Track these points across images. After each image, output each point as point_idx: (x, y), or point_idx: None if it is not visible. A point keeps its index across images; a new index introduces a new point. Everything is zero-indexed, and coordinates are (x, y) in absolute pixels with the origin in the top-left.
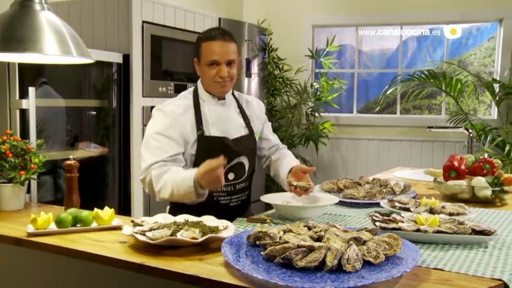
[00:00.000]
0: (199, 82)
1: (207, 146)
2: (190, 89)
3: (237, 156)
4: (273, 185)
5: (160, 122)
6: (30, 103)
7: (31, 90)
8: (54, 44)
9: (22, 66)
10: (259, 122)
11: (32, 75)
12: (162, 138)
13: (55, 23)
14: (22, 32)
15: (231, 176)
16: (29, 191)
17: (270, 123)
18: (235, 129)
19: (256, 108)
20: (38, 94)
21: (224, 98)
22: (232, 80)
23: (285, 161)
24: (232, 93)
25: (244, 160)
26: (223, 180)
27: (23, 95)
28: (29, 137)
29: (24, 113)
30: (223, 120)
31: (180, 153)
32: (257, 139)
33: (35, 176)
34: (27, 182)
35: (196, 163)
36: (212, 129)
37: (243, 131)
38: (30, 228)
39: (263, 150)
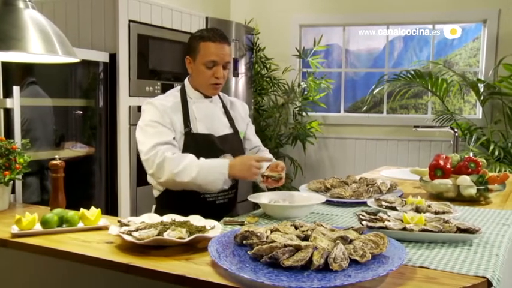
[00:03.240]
0: (186, 80)
1: (194, 142)
2: (177, 87)
3: (222, 153)
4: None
5: (152, 112)
6: (15, 102)
7: (15, 89)
8: (39, 43)
9: (8, 65)
10: (243, 123)
11: (20, 74)
12: (157, 124)
13: (40, 22)
14: (6, 30)
15: None
16: (13, 191)
17: (253, 126)
18: (221, 127)
19: (240, 109)
20: (26, 94)
21: (211, 96)
22: (223, 82)
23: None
24: (218, 94)
25: (230, 158)
26: (256, 170)
27: (8, 94)
28: (13, 136)
29: (8, 112)
30: (210, 117)
31: (175, 138)
32: (241, 139)
33: (19, 176)
34: (11, 182)
35: None
36: (199, 126)
37: (228, 130)
38: (15, 229)
39: (245, 150)
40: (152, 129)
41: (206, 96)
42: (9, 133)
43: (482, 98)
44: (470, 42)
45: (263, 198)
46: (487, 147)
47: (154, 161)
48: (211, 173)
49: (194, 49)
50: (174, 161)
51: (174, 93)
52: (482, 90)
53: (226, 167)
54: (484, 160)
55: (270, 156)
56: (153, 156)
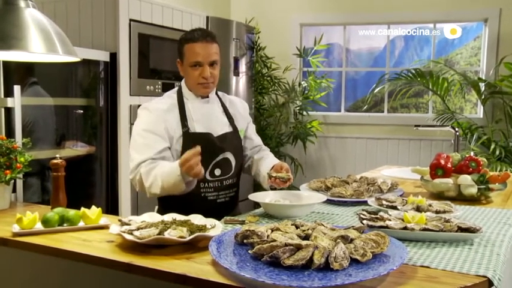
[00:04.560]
0: (183, 82)
1: (193, 142)
2: (175, 89)
3: (222, 152)
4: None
5: (145, 119)
6: (16, 102)
7: (16, 88)
8: (40, 42)
9: (9, 65)
10: (243, 121)
11: (21, 74)
12: (147, 134)
13: (40, 21)
14: (6, 29)
15: (217, 171)
16: (14, 190)
17: (254, 126)
18: (219, 126)
19: (240, 107)
20: (28, 94)
21: (208, 96)
22: (214, 81)
23: (268, 160)
24: (216, 93)
25: (230, 156)
26: (200, 169)
27: (9, 93)
28: (14, 135)
29: (9, 111)
30: (208, 117)
31: (167, 148)
32: (242, 137)
33: (20, 175)
34: (12, 181)
35: None
36: (197, 126)
37: (228, 128)
38: (16, 228)
39: (246, 149)
40: (141, 140)
41: (203, 97)
42: (10, 132)
43: (483, 97)
44: (471, 41)
45: (264, 197)
46: (487, 147)
47: (136, 180)
48: (170, 180)
49: (181, 52)
50: (145, 175)
51: (171, 95)
52: (483, 89)
53: (178, 169)
54: (485, 159)
55: (272, 155)
56: (135, 175)
